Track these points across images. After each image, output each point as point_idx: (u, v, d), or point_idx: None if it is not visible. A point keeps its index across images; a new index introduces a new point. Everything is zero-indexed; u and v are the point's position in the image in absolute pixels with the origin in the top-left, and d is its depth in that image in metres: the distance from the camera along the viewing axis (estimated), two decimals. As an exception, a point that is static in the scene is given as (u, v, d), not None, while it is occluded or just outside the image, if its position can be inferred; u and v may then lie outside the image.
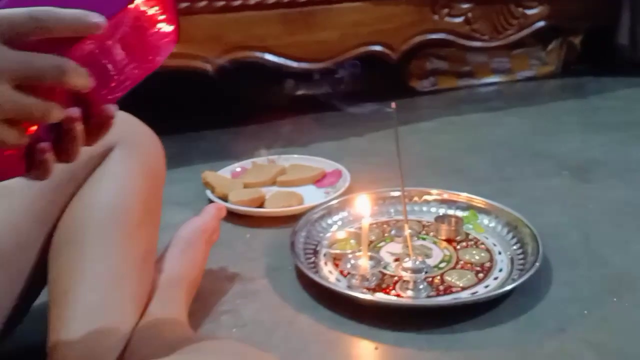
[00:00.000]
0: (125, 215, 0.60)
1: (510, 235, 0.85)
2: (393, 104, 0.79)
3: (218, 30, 1.28)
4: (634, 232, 0.86)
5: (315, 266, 0.82)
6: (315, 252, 0.85)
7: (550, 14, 1.56)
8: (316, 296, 0.76)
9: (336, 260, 0.82)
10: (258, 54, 1.34)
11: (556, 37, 1.65)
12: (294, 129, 1.39)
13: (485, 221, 0.89)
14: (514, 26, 1.56)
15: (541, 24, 1.57)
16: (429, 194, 0.95)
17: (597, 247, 0.82)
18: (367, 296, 0.74)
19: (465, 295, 0.73)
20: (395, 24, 1.43)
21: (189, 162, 1.20)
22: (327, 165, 1.11)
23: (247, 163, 1.14)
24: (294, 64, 1.37)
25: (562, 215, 0.91)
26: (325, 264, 0.82)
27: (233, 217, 0.96)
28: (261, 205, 0.98)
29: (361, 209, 0.78)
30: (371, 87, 1.64)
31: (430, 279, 0.76)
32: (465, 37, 1.53)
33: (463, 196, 0.93)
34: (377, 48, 1.45)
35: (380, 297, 0.74)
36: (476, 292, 0.74)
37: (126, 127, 0.64)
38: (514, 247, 0.83)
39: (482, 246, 0.84)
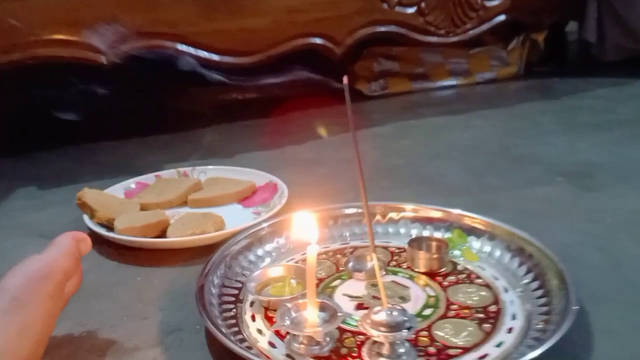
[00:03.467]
0: None
1: (516, 262, 0.60)
2: (345, 78, 0.54)
3: (112, 10, 0.99)
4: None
5: (236, 324, 0.54)
6: (238, 301, 0.57)
7: (511, 6, 1.38)
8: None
9: (269, 311, 0.55)
10: (168, 44, 1.06)
11: (518, 34, 1.46)
12: (218, 138, 1.11)
13: (476, 244, 0.64)
14: (473, 19, 1.36)
15: (502, 17, 1.39)
16: (400, 209, 0.70)
17: (633, 275, 0.59)
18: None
19: (470, 362, 0.48)
20: (338, 12, 1.20)
21: (73, 179, 0.90)
22: (257, 177, 0.83)
23: (148, 178, 0.85)
24: (216, 58, 1.11)
25: (574, 233, 0.67)
26: (253, 319, 0.55)
27: (119, 252, 0.67)
28: (162, 234, 0.69)
29: (305, 232, 0.51)
30: (311, 91, 1.40)
31: (414, 336, 0.50)
32: (419, 30, 1.32)
33: (447, 212, 0.67)
34: (318, 41, 1.21)
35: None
36: (486, 355, 0.48)
37: None
38: (525, 281, 0.58)
39: (479, 281, 0.59)
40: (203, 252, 0.63)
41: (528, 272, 0.58)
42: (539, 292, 0.55)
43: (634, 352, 0.48)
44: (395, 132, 1.09)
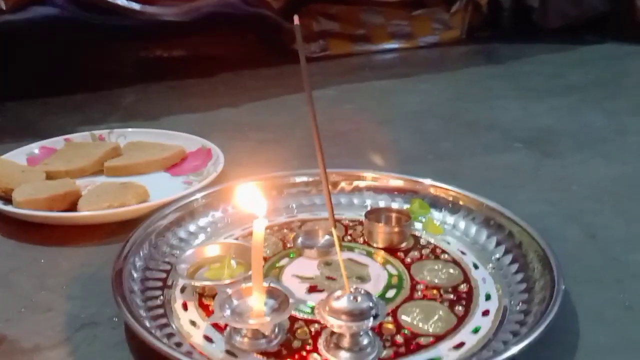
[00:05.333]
0: None
1: (485, 235, 0.53)
2: (296, 18, 0.44)
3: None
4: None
5: (164, 315, 0.44)
6: (166, 287, 0.47)
7: (456, -34, 1.31)
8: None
9: (205, 298, 0.46)
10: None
11: (461, -3, 1.40)
12: (140, 99, 0.99)
13: (439, 215, 0.57)
14: (416, -23, 1.28)
15: (445, -23, 1.32)
16: (358, 177, 0.61)
17: (611, 248, 0.54)
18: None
19: (445, 352, 0.40)
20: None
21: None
22: (188, 142, 0.73)
23: (56, 142, 0.73)
24: (136, 6, 0.97)
25: (541, 203, 0.62)
26: (185, 308, 0.45)
27: (19, 229, 0.56)
28: (72, 208, 0.58)
29: (249, 203, 0.42)
30: (246, 51, 1.29)
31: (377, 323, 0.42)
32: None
33: (411, 180, 0.60)
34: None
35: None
36: (462, 343, 0.42)
37: None
38: (497, 255, 0.51)
39: (445, 256, 0.52)
40: (122, 229, 0.53)
41: (498, 245, 0.52)
42: (514, 268, 0.49)
43: (624, 335, 0.43)
44: (339, 95, 1.00)
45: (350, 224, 0.57)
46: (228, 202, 0.57)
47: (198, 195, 0.57)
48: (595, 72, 1.12)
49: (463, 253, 0.52)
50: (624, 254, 0.53)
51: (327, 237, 0.53)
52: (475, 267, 0.50)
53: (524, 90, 1.02)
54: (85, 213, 0.55)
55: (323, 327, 0.42)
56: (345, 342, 0.40)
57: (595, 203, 0.62)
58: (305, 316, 0.44)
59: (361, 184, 0.61)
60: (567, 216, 0.59)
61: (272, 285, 0.42)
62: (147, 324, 0.41)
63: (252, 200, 0.41)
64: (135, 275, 0.46)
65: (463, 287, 0.47)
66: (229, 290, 0.42)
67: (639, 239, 0.55)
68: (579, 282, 0.47)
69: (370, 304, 0.40)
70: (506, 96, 0.99)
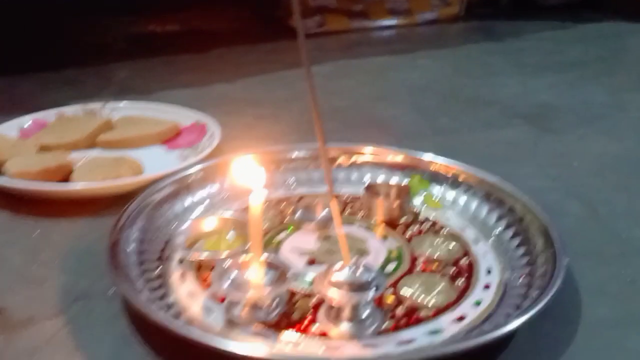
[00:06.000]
0: None
1: (486, 209, 0.53)
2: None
3: None
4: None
5: (161, 287, 0.43)
6: (162, 260, 0.46)
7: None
8: (163, 351, 0.38)
9: (202, 272, 0.45)
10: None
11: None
12: (133, 74, 0.97)
13: (439, 191, 0.56)
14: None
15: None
16: (356, 152, 0.60)
17: (613, 224, 0.53)
18: (265, 349, 0.37)
19: (446, 325, 0.40)
20: None
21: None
22: (182, 116, 0.71)
23: (48, 115, 0.71)
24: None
25: (542, 178, 0.61)
26: (182, 280, 0.44)
27: (11, 202, 0.54)
28: (65, 181, 0.57)
29: (247, 175, 0.41)
30: (241, 26, 1.27)
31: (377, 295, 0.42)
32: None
33: (411, 156, 0.59)
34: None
35: (290, 340, 0.38)
36: (464, 316, 0.41)
37: None
38: (498, 230, 0.50)
39: (445, 231, 0.51)
40: (116, 203, 0.52)
41: (499, 219, 0.51)
42: (515, 242, 0.48)
43: (627, 310, 0.42)
44: (336, 71, 0.99)
45: (349, 199, 0.56)
46: (225, 176, 0.56)
47: (194, 169, 0.56)
48: (595, 49, 1.11)
49: (463, 228, 0.52)
50: (627, 230, 0.52)
51: (325, 211, 0.52)
52: (476, 241, 0.50)
53: (523, 66, 1.01)
54: (79, 185, 0.54)
55: (323, 299, 0.41)
56: (346, 313, 0.39)
57: (596, 179, 0.61)
58: (305, 288, 0.43)
59: (360, 159, 0.60)
60: (568, 191, 0.58)
61: (270, 257, 0.42)
62: (144, 295, 0.40)
63: (250, 171, 0.40)
64: (130, 247, 0.45)
65: (464, 261, 0.47)
66: (228, 262, 0.41)
67: (638, 213, 0.55)
68: (581, 257, 0.47)
69: (371, 276, 0.39)
70: (505, 72, 0.98)
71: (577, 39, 1.16)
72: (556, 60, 1.04)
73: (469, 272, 0.46)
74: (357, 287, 0.39)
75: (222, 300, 0.42)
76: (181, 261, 0.46)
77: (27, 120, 0.69)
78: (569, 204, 0.56)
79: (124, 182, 0.55)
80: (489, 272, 0.46)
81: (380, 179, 0.58)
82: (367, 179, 0.58)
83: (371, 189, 0.54)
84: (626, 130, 0.74)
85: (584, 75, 0.95)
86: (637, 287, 0.45)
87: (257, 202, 0.39)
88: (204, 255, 0.45)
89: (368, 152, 0.60)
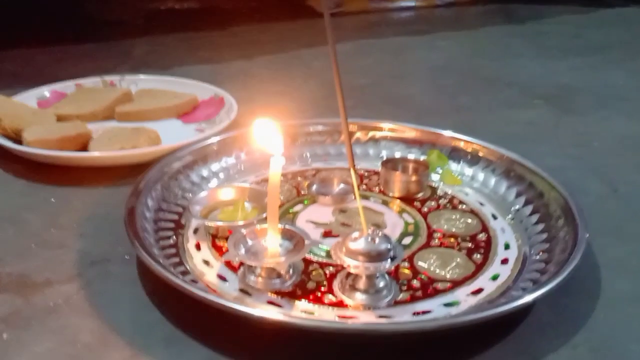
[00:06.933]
0: None
1: (505, 186, 0.52)
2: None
3: None
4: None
5: (177, 254, 0.43)
6: (179, 227, 0.47)
7: None
8: (178, 315, 0.38)
9: (218, 239, 0.45)
10: None
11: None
12: (150, 49, 0.97)
13: (457, 167, 0.56)
14: None
15: None
16: (375, 128, 0.60)
17: (634, 203, 0.52)
18: (282, 314, 0.37)
19: (463, 298, 0.40)
20: None
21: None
22: (200, 90, 0.71)
23: (67, 86, 0.71)
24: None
25: (562, 157, 0.60)
26: (198, 248, 0.44)
27: (29, 169, 0.55)
28: (83, 150, 0.57)
29: (267, 141, 0.41)
30: (259, 5, 1.26)
31: (393, 268, 0.41)
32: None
33: (429, 132, 0.58)
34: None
35: (306, 310, 0.38)
36: (481, 289, 0.41)
37: None
38: (517, 206, 0.50)
39: (463, 207, 0.51)
40: (134, 172, 0.52)
41: (519, 196, 0.50)
42: (535, 218, 0.48)
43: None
44: (355, 50, 0.98)
45: (366, 173, 0.55)
46: (242, 148, 0.56)
47: (212, 140, 0.56)
48: (616, 33, 1.09)
49: (481, 204, 0.51)
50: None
51: (342, 185, 0.52)
52: (494, 217, 0.49)
53: (543, 49, 0.99)
54: (97, 153, 0.55)
55: (338, 269, 0.41)
56: (361, 283, 0.39)
57: (617, 158, 0.60)
58: (320, 259, 0.43)
59: (378, 134, 0.60)
60: (589, 170, 0.57)
61: (287, 226, 0.42)
62: (161, 261, 0.40)
63: (270, 138, 0.40)
64: (147, 215, 0.45)
65: (481, 236, 0.46)
66: (244, 231, 0.41)
67: (662, 194, 0.54)
68: (601, 234, 0.46)
69: (388, 246, 0.39)
70: (525, 54, 0.96)
71: (599, 24, 1.14)
72: (577, 43, 1.02)
73: (487, 247, 0.45)
74: (374, 256, 0.38)
75: (238, 268, 0.42)
76: (197, 230, 0.46)
77: (45, 91, 0.69)
78: (589, 182, 0.55)
79: (142, 152, 0.55)
80: (507, 247, 0.45)
81: (398, 154, 0.58)
82: (385, 154, 0.58)
83: (389, 163, 0.54)
84: (647, 113, 0.73)
85: (605, 58, 0.94)
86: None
87: (276, 167, 0.39)
88: (220, 224, 0.45)
89: (386, 128, 0.60)
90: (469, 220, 0.48)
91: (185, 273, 0.41)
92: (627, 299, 0.40)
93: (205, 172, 0.54)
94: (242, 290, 0.40)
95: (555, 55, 0.96)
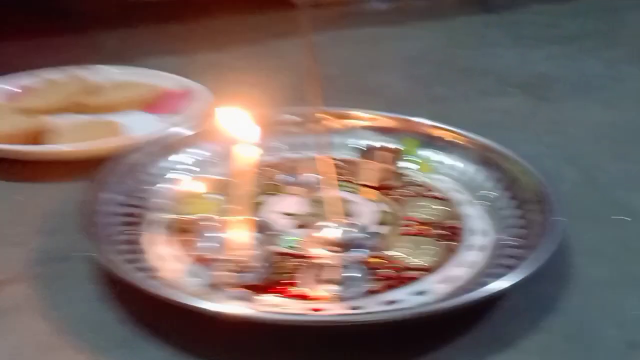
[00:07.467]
0: None
1: (479, 173, 0.51)
2: None
3: None
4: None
5: (139, 250, 0.41)
6: (141, 222, 0.45)
7: None
8: (139, 314, 0.36)
9: (185, 233, 0.43)
10: None
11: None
12: (121, 42, 0.94)
13: (430, 154, 0.54)
14: None
15: None
16: (346, 116, 0.58)
17: (610, 190, 0.52)
18: (249, 309, 0.36)
19: (435, 286, 0.38)
20: None
21: None
22: (168, 81, 0.69)
23: (31, 78, 0.69)
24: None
25: (538, 145, 0.60)
26: (162, 243, 0.42)
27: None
28: (45, 142, 0.55)
29: (236, 130, 0.39)
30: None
31: (364, 257, 0.40)
32: None
33: (404, 120, 0.57)
34: None
35: (274, 304, 0.36)
36: (455, 276, 0.39)
37: None
38: (492, 194, 0.49)
39: (437, 194, 0.50)
40: (95, 166, 0.50)
41: (493, 182, 0.49)
42: (510, 204, 0.47)
43: (624, 272, 0.41)
44: (328, 41, 0.96)
45: (338, 162, 0.54)
46: (210, 139, 0.54)
47: (178, 131, 0.54)
48: (592, 23, 1.09)
49: (456, 191, 0.50)
50: (624, 195, 0.51)
51: (312, 174, 0.50)
52: (468, 204, 0.48)
53: (518, 38, 0.99)
54: (58, 147, 0.52)
55: (308, 261, 0.40)
56: (332, 274, 0.38)
57: (593, 146, 0.60)
58: (290, 250, 0.41)
59: (351, 122, 0.58)
60: (565, 158, 0.57)
61: (255, 218, 0.40)
62: (121, 257, 0.39)
63: (240, 126, 0.39)
64: (106, 209, 0.43)
65: (455, 223, 0.45)
66: (210, 223, 0.40)
67: (637, 180, 0.53)
68: (577, 220, 0.45)
69: (359, 235, 0.38)
70: (501, 44, 0.95)
71: (574, 14, 1.14)
72: (553, 33, 1.01)
73: (460, 234, 0.44)
74: (345, 246, 0.37)
75: (204, 262, 0.40)
76: (162, 223, 0.44)
77: (9, 84, 0.67)
78: (565, 169, 0.55)
79: (105, 143, 0.52)
80: (481, 234, 0.44)
81: (372, 142, 0.56)
82: (358, 142, 0.57)
83: (361, 152, 0.52)
84: (623, 100, 0.72)
85: (581, 48, 0.93)
86: (633, 250, 0.43)
87: (245, 156, 0.37)
88: (185, 217, 0.43)
89: (359, 116, 0.58)
90: (443, 208, 0.47)
91: (147, 269, 0.39)
92: (602, 284, 0.39)
93: (171, 164, 0.52)
94: (207, 285, 0.38)
95: (531, 45, 0.95)
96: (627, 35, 1.06)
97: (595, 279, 0.40)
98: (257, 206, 0.47)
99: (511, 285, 0.35)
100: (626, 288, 0.39)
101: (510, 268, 0.38)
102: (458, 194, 0.49)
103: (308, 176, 0.50)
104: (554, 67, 0.84)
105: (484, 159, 0.51)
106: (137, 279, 0.36)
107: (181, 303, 0.34)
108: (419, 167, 0.53)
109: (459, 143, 0.54)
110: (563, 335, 0.35)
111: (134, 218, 0.45)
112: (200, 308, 0.33)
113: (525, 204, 0.45)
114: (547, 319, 0.36)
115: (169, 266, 0.40)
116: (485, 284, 0.37)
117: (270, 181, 0.50)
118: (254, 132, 0.38)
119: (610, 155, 0.58)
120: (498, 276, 0.38)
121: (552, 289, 0.39)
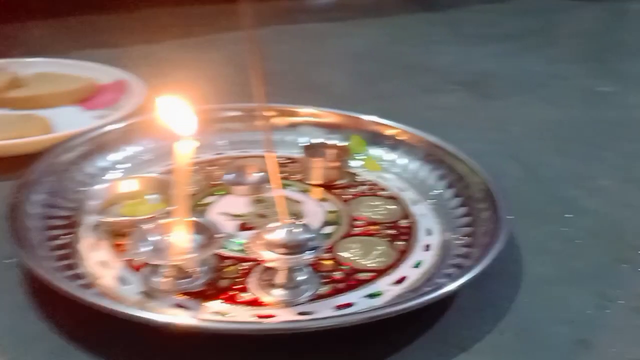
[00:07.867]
0: None
1: (425, 170, 0.50)
2: None
3: None
4: (585, 160, 0.58)
5: (70, 255, 0.38)
6: (73, 225, 0.41)
7: None
8: (70, 325, 0.33)
9: (119, 237, 0.40)
10: None
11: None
12: (46, 33, 0.89)
13: (378, 152, 0.54)
14: None
15: None
16: (291, 113, 0.57)
17: (554, 187, 0.52)
18: (191, 317, 0.34)
19: (386, 288, 0.37)
20: None
21: None
22: (101, 73, 0.65)
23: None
24: None
25: (482, 142, 0.60)
26: (95, 248, 0.39)
27: None
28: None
29: (174, 122, 0.36)
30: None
31: (314, 259, 0.38)
32: None
33: (349, 116, 0.56)
34: None
35: (218, 311, 0.34)
36: (404, 278, 0.39)
37: None
38: (437, 191, 0.48)
39: (384, 193, 0.49)
40: (23, 165, 0.46)
41: (439, 180, 0.49)
42: (456, 202, 0.46)
43: (570, 267, 0.41)
44: (270, 36, 0.94)
45: (284, 160, 0.52)
46: (146, 135, 0.51)
47: (112, 127, 0.50)
48: (532, 22, 1.11)
49: (402, 189, 0.49)
50: (567, 191, 0.51)
51: (258, 173, 0.49)
52: (416, 202, 0.47)
53: (462, 36, 1.00)
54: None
55: (255, 264, 0.38)
56: (279, 278, 0.36)
57: (536, 143, 0.61)
58: (235, 254, 0.39)
59: (296, 119, 0.57)
60: (508, 155, 0.57)
61: (197, 219, 0.38)
62: (49, 264, 0.36)
63: (178, 118, 0.36)
64: (35, 211, 0.40)
65: (403, 223, 0.44)
66: (148, 226, 0.37)
67: (580, 176, 0.54)
68: (522, 217, 0.45)
69: (308, 236, 0.36)
70: (444, 42, 0.96)
71: (514, 13, 1.16)
72: (495, 31, 1.03)
73: (409, 233, 0.43)
74: (293, 248, 0.35)
75: (140, 268, 0.37)
76: (94, 227, 0.41)
77: None
78: (508, 166, 0.55)
79: (31, 141, 0.49)
80: (429, 233, 0.43)
81: (318, 140, 0.55)
82: (304, 140, 0.55)
83: (308, 150, 0.51)
84: (564, 98, 0.74)
85: (523, 46, 0.95)
86: (577, 245, 0.44)
87: (184, 152, 0.35)
88: (120, 219, 0.40)
89: (305, 113, 0.57)
90: (391, 207, 0.46)
91: (78, 277, 0.36)
92: (548, 281, 0.40)
93: (104, 162, 0.49)
94: (145, 293, 0.36)
95: (474, 43, 0.96)
96: (567, 34, 1.09)
97: (543, 276, 0.40)
98: (201, 207, 0.44)
99: (461, 285, 0.35)
100: (572, 285, 0.39)
101: (459, 268, 0.38)
102: (403, 192, 0.48)
103: (255, 176, 0.48)
104: (496, 64, 0.85)
105: (428, 155, 0.51)
106: (70, 286, 0.33)
107: (117, 312, 0.31)
108: (365, 164, 0.52)
109: (403, 140, 0.53)
110: (514, 334, 0.35)
111: (64, 221, 0.41)
112: (137, 317, 0.31)
113: (472, 201, 0.45)
114: (498, 319, 0.36)
115: (104, 273, 0.37)
116: (435, 284, 0.36)
117: (215, 181, 0.48)
118: (192, 123, 0.36)
119: (553, 152, 0.59)
120: (448, 276, 0.37)
121: (501, 287, 0.38)
